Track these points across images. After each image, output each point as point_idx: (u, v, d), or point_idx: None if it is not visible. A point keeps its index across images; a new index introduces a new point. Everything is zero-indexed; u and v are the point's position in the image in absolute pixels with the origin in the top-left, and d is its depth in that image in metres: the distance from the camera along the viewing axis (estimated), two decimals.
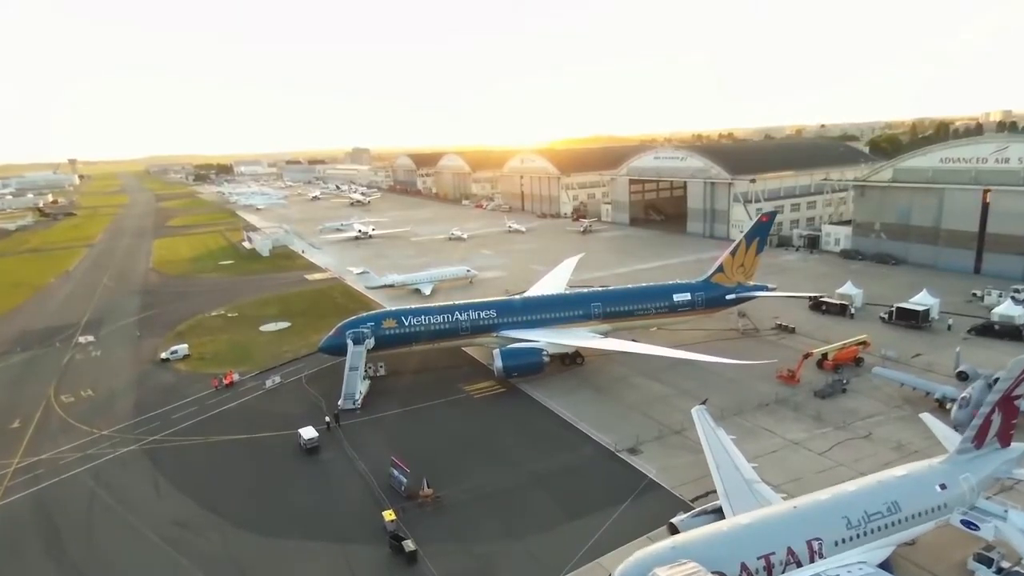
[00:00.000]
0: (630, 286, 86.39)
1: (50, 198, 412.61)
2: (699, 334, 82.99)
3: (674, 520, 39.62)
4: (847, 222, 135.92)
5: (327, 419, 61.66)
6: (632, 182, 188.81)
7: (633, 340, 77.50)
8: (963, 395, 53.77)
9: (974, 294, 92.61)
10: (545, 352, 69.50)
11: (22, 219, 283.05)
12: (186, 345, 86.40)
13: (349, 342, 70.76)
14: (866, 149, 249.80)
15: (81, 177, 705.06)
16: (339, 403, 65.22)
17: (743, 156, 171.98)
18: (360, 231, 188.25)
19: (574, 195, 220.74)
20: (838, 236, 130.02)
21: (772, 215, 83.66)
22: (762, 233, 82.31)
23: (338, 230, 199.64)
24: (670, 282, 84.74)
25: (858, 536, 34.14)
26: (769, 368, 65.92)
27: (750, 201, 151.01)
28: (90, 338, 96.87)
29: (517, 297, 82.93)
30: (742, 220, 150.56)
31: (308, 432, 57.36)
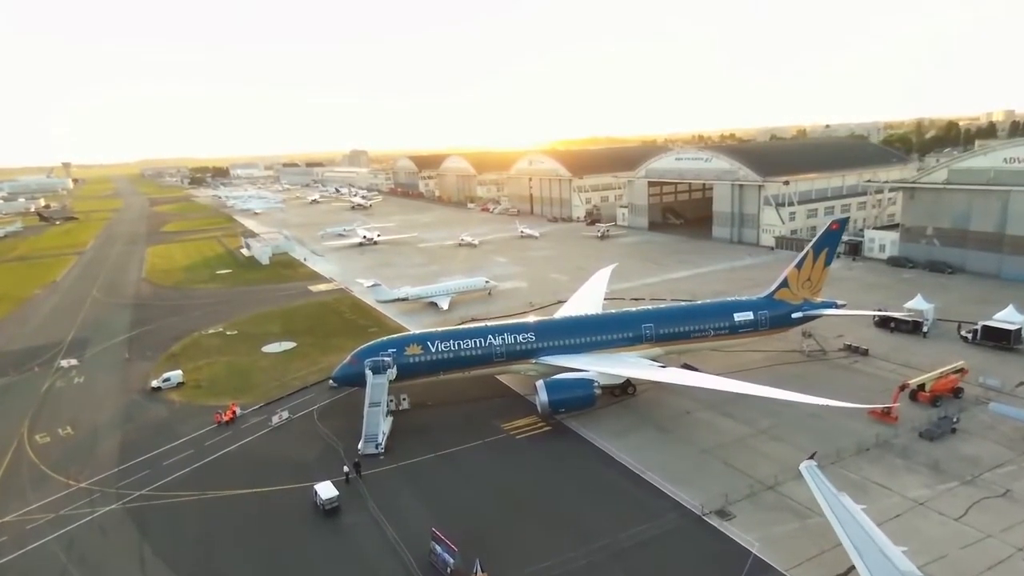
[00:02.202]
0: (683, 303, 77.00)
1: (42, 202, 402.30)
2: (758, 356, 73.53)
3: None
4: (892, 226, 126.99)
5: (346, 469, 52.02)
6: (650, 184, 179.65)
7: (688, 366, 68.04)
8: None
9: None
10: (596, 383, 59.94)
11: (11, 225, 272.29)
12: (180, 371, 76.63)
13: (368, 372, 61.22)
14: None
15: (75, 181, 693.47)
16: (359, 447, 55.65)
17: (772, 157, 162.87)
18: (364, 237, 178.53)
19: (587, 198, 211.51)
20: (883, 242, 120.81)
21: (843, 222, 74.29)
22: (832, 242, 72.94)
23: (340, 236, 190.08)
24: (729, 299, 75.38)
25: None
26: (855, 401, 56.38)
27: (782, 204, 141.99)
28: (73, 361, 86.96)
29: (557, 317, 73.34)
30: (774, 225, 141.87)
31: (327, 490, 47.69)
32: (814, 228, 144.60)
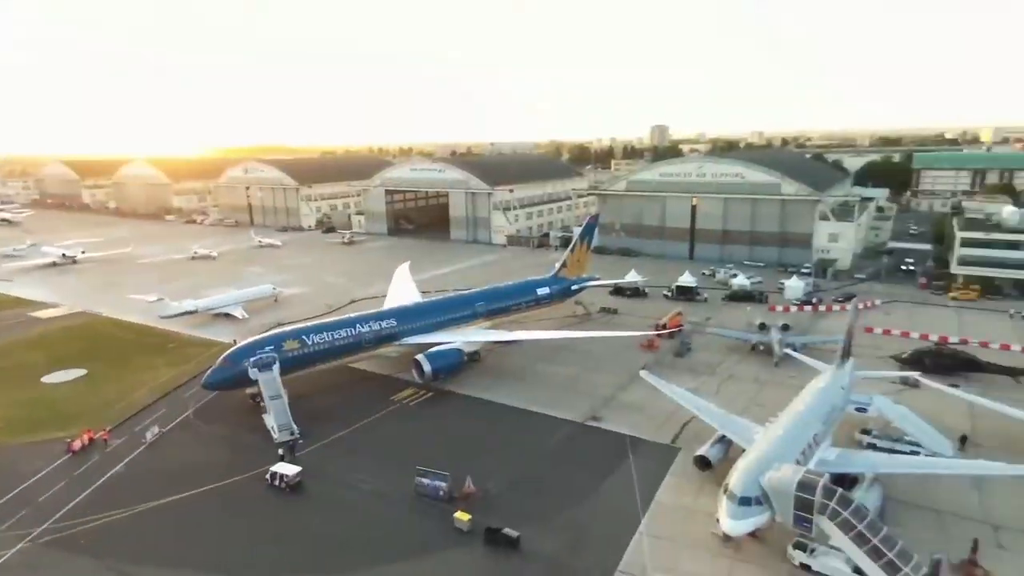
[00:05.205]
0: (500, 285, 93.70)
1: None
2: (550, 322, 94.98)
3: (701, 452, 50.39)
4: None
5: (280, 452, 54.99)
6: (386, 192, 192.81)
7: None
8: (778, 337, 77.21)
9: (703, 273, 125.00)
10: (463, 352, 72.91)
11: None
12: None
13: (254, 371, 62.73)
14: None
15: None
16: (276, 437, 58.18)
17: (496, 168, 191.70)
18: (63, 255, 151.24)
19: (316, 207, 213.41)
20: None
21: (597, 216, 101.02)
22: (590, 232, 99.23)
23: (11, 256, 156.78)
24: (530, 278, 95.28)
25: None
26: (619, 340, 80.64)
27: (508, 209, 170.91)
28: None
29: (410, 304, 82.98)
30: (503, 226, 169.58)
31: (288, 467, 51.07)
32: (531, 228, 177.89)
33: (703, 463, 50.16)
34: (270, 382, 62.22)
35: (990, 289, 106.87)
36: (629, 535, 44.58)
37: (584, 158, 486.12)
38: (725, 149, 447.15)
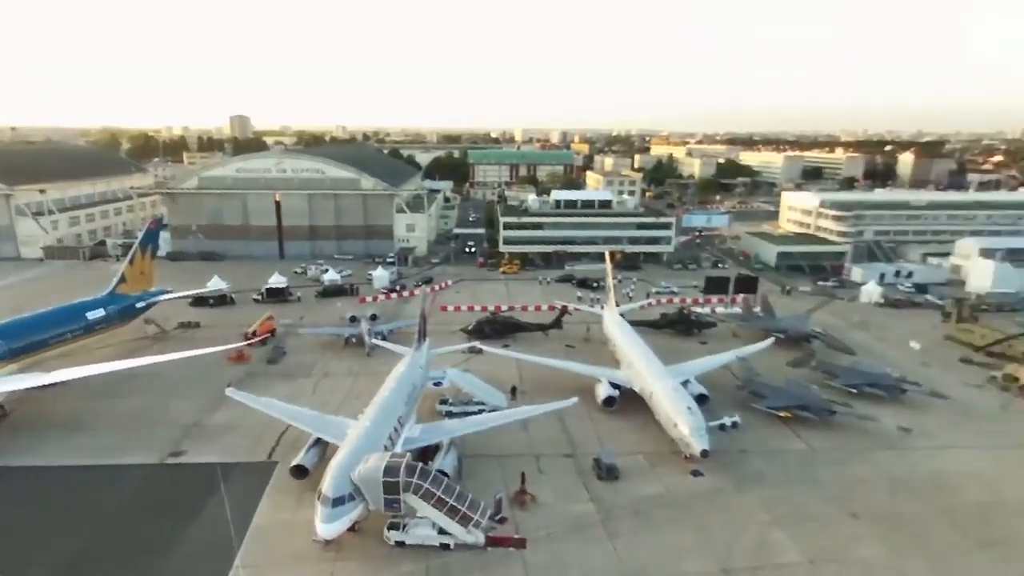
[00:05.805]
0: (29, 314, 72.08)
1: None
2: (112, 349, 79.30)
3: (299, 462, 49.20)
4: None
5: None
6: None
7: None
8: (367, 328, 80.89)
9: (295, 271, 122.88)
10: None
11: None
12: None
13: None
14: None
15: None
16: None
17: (19, 163, 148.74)
18: None
19: None
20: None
21: (159, 220, 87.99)
22: (153, 240, 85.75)
23: None
24: (75, 301, 76.49)
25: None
26: (203, 358, 71.21)
27: (42, 213, 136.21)
28: None
29: None
30: (37, 236, 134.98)
31: None
32: (80, 236, 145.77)
33: (300, 472, 49.11)
34: None
35: (527, 262, 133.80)
36: (224, 573, 40.65)
37: (151, 150, 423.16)
38: (311, 143, 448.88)
